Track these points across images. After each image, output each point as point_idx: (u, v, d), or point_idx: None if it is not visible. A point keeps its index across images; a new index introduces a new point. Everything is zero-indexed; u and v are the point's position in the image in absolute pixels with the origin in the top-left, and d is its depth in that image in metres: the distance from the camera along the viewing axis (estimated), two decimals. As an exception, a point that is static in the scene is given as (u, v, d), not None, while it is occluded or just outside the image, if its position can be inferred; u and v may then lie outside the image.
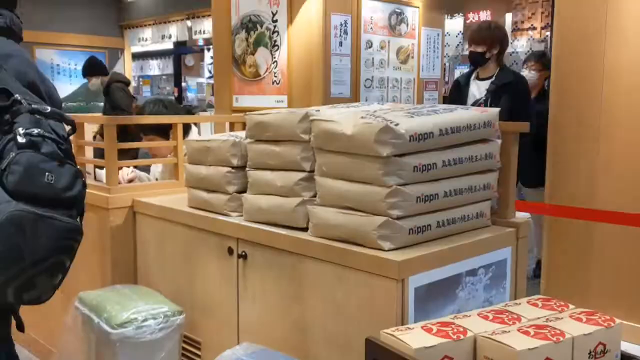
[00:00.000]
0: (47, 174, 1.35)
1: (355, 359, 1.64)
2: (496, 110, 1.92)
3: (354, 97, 4.03)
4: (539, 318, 1.57)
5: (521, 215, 2.09)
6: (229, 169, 2.12)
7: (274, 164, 1.96)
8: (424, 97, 4.60)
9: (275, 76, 3.94)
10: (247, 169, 2.06)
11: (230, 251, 2.07)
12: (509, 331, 1.46)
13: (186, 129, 2.86)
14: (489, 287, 1.86)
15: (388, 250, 1.64)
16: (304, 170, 1.88)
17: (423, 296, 1.64)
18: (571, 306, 1.66)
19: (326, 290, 1.75)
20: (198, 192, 2.25)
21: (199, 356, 2.25)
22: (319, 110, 1.89)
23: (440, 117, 1.75)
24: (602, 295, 3.54)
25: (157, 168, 3.03)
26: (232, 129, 2.87)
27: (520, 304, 1.67)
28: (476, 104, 3.54)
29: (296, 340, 1.85)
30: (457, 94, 3.73)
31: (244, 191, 2.12)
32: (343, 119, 1.74)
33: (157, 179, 2.98)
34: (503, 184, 1.98)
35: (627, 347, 1.62)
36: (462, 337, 1.45)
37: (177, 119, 2.65)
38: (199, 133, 3.15)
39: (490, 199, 1.95)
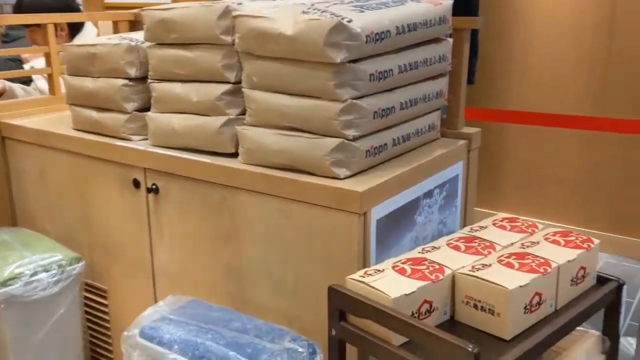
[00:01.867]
0: None
1: (310, 308, 1.40)
2: (450, 2, 1.63)
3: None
4: (513, 244, 1.40)
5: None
6: (125, 81, 1.69)
7: (186, 74, 1.57)
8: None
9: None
10: (149, 80, 1.65)
11: (136, 184, 1.69)
12: (490, 264, 1.27)
13: (78, 28, 2.31)
14: (443, 207, 1.67)
15: (344, 179, 1.37)
16: (227, 82, 1.52)
17: (383, 227, 1.40)
18: (540, 225, 1.50)
19: (270, 228, 1.45)
20: (85, 111, 1.80)
21: (105, 305, 1.91)
22: (241, 4, 1.50)
23: (394, 11, 1.44)
24: (514, 197, 3.57)
25: (41, 80, 2.46)
26: (116, 31, 2.35)
27: (486, 227, 1.49)
28: None
29: (232, 287, 1.57)
30: None
31: (146, 108, 1.72)
32: (278, 14, 1.38)
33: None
34: (453, 90, 1.74)
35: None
36: (440, 276, 1.23)
37: (48, 18, 2.10)
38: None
39: (439, 109, 1.71)
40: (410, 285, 1.20)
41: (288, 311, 1.47)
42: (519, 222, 1.51)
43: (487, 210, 3.55)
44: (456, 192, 1.73)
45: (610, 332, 1.42)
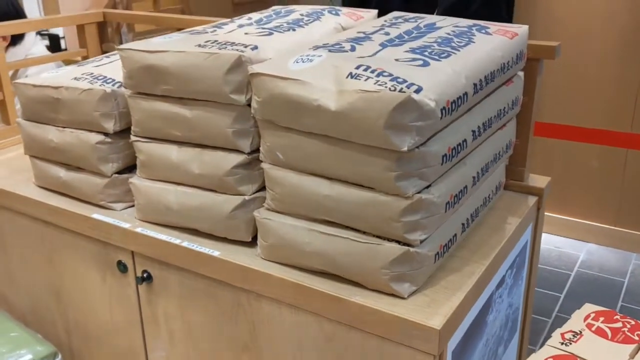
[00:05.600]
0: None
1: None
2: (526, 29, 1.25)
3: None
4: (624, 367, 1.09)
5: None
6: (101, 137, 1.29)
7: (184, 137, 1.18)
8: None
9: None
10: (132, 137, 1.26)
11: (121, 267, 1.32)
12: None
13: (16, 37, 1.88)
14: (512, 288, 1.34)
15: (407, 298, 1.02)
16: (240, 152, 1.14)
17: (457, 354, 1.07)
18: (645, 326, 1.19)
19: (305, 350, 1.11)
20: (51, 168, 1.40)
21: (89, 394, 1.57)
22: (256, 49, 1.10)
23: (467, 58, 1.06)
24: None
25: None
26: (81, 38, 1.90)
27: (581, 333, 1.17)
28: None
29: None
30: None
31: (129, 168, 1.33)
32: (313, 74, 0.99)
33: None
34: (520, 134, 1.38)
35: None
36: None
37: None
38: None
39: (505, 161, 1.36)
40: None
41: None
42: (617, 320, 1.19)
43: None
44: (524, 262, 1.40)
45: None
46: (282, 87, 0.99)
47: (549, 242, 3.24)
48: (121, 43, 2.55)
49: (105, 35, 1.97)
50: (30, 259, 1.51)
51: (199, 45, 1.11)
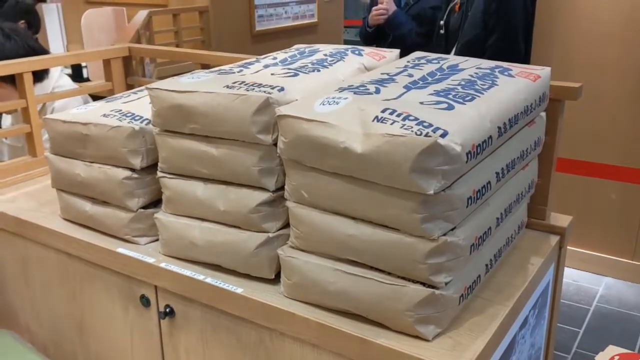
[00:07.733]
0: None
1: None
2: (549, 71, 1.27)
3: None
4: (651, 413, 1.08)
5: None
6: (128, 172, 1.31)
7: (210, 174, 1.20)
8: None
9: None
10: (159, 173, 1.28)
11: (144, 301, 1.33)
12: None
13: (40, 74, 1.93)
14: (534, 327, 1.33)
15: (432, 340, 1.02)
16: (265, 189, 1.15)
17: (481, 395, 1.07)
18: (672, 371, 1.18)
19: (327, 394, 1.11)
20: (77, 201, 1.43)
21: None
22: (283, 90, 1.12)
23: (491, 101, 1.07)
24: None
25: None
26: (107, 71, 1.95)
27: (605, 376, 1.16)
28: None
29: None
30: None
31: (154, 202, 1.35)
32: (339, 117, 1.00)
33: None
34: (542, 172, 1.38)
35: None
36: None
37: (22, 66, 1.71)
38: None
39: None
40: None
41: None
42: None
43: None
44: (546, 302, 1.39)
45: None
46: (309, 129, 1.01)
47: (567, 275, 3.19)
48: (144, 73, 2.60)
49: (130, 68, 2.01)
50: (53, 291, 1.53)
51: (227, 87, 1.14)
